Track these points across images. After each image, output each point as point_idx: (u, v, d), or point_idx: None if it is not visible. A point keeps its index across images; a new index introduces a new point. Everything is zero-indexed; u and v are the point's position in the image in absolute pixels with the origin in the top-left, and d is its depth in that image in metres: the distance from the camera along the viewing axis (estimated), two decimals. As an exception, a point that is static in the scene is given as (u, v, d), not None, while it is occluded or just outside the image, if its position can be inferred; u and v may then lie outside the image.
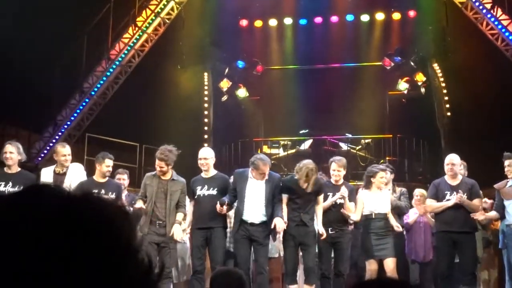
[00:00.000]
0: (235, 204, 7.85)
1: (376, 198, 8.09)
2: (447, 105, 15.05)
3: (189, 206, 7.98)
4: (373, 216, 8.03)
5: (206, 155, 8.09)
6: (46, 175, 7.84)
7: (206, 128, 15.64)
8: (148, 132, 13.29)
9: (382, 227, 7.98)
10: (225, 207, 7.51)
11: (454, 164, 8.05)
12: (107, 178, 7.93)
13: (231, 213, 8.41)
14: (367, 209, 8.05)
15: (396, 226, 8.02)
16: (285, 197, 7.81)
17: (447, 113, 15.01)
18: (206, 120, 15.70)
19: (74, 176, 7.90)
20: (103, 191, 7.60)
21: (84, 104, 13.83)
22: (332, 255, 8.15)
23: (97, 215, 0.88)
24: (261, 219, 7.67)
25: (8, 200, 0.89)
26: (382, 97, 16.08)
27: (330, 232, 7.96)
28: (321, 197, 7.93)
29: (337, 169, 8.25)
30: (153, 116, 14.07)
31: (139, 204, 7.64)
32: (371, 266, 7.96)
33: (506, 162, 7.83)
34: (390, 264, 7.93)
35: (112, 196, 7.69)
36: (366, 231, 8.08)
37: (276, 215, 7.63)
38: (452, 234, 7.92)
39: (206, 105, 15.87)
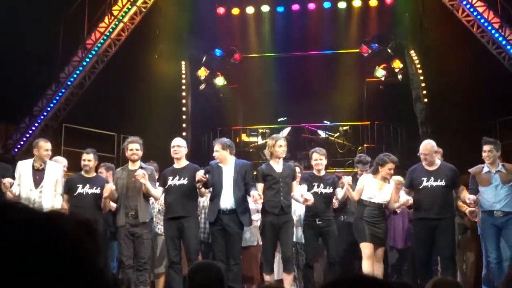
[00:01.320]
0: (209, 194, 7.91)
1: (378, 187, 7.90)
2: (424, 92, 15.11)
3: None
4: (368, 204, 7.87)
5: (180, 143, 8.06)
6: (24, 169, 7.84)
7: (184, 117, 15.59)
8: (126, 122, 13.22)
9: (375, 216, 7.84)
10: (207, 175, 7.56)
11: (426, 154, 7.91)
12: (94, 174, 8.05)
13: (204, 204, 8.45)
14: (365, 195, 7.89)
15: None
16: (260, 186, 7.71)
17: (424, 100, 15.10)
18: (184, 109, 15.65)
19: (55, 173, 7.91)
20: (87, 186, 7.84)
21: (60, 94, 13.73)
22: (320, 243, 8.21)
23: (62, 237, 0.86)
24: (231, 205, 7.61)
25: None
26: (360, 84, 16.15)
27: (317, 222, 7.99)
28: (294, 183, 7.90)
29: (318, 158, 8.22)
30: (130, 105, 14.01)
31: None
32: (365, 249, 7.78)
33: (486, 147, 7.72)
34: (379, 253, 7.91)
35: (96, 191, 7.80)
36: (359, 216, 7.91)
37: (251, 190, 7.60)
38: (431, 221, 7.74)
39: (184, 93, 15.82)
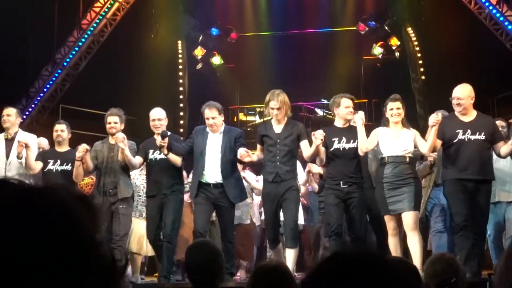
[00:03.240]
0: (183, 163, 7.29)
1: (393, 137, 6.54)
2: (421, 69, 15.15)
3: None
4: (386, 160, 6.49)
5: (160, 115, 7.41)
6: None
7: (181, 96, 15.60)
8: (123, 102, 13.14)
9: (397, 175, 6.43)
10: (166, 140, 6.73)
11: (461, 98, 6.57)
12: (68, 148, 7.55)
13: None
14: (382, 151, 6.58)
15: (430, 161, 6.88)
16: (259, 147, 6.97)
17: (421, 77, 15.12)
18: (181, 88, 15.65)
19: (30, 146, 7.33)
20: (58, 162, 7.37)
21: (56, 75, 13.71)
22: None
23: (58, 210, 0.85)
24: (220, 179, 6.82)
25: None
26: (357, 62, 16.16)
27: (342, 186, 6.66)
28: (305, 143, 6.78)
29: (351, 106, 6.89)
30: (127, 85, 13.98)
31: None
32: (390, 224, 6.49)
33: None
34: (407, 220, 6.33)
35: (67, 167, 7.33)
36: (378, 180, 6.60)
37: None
38: (468, 183, 6.43)
39: (181, 73, 15.82)
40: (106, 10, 14.02)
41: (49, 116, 13.35)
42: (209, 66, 16.08)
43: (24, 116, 13.07)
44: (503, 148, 6.46)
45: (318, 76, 15.71)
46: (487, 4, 13.13)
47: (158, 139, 6.81)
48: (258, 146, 7.00)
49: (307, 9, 16.43)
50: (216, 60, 16.06)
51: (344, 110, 6.84)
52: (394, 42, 15.52)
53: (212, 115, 6.87)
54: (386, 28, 15.61)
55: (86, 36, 13.91)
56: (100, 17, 13.98)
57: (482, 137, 6.45)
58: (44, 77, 13.67)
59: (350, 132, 6.76)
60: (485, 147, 6.51)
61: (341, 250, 1.39)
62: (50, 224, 0.83)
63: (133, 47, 14.68)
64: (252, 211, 8.75)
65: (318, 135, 6.56)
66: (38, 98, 13.54)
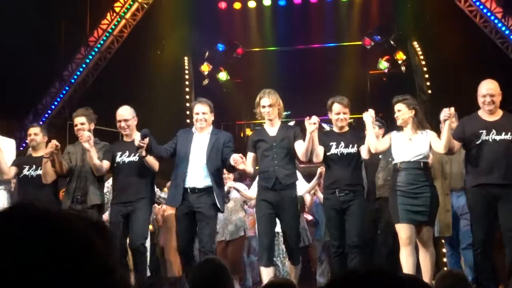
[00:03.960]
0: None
1: (406, 142, 5.96)
2: (428, 83, 15.11)
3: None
4: (399, 167, 5.93)
5: (126, 116, 6.70)
6: None
7: (188, 112, 15.59)
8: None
9: (411, 182, 5.85)
10: (146, 140, 5.92)
11: (493, 95, 5.86)
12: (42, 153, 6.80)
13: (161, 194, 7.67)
14: (394, 157, 6.06)
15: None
16: (250, 156, 6.28)
17: (428, 91, 15.09)
18: (188, 104, 15.66)
19: (5, 151, 6.88)
20: (34, 167, 6.80)
21: (64, 92, 13.77)
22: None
23: (74, 237, 0.85)
24: (203, 184, 6.11)
25: None
26: (363, 76, 16.13)
27: (338, 194, 6.14)
28: (299, 142, 6.21)
29: (342, 111, 6.35)
30: (134, 102, 13.85)
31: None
32: (402, 233, 5.86)
33: None
34: (422, 233, 5.86)
35: (39, 171, 6.73)
36: (392, 187, 6.00)
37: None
38: (492, 188, 5.74)
39: (187, 89, 15.85)
40: (113, 27, 14.11)
41: (57, 133, 13.36)
42: (215, 82, 16.11)
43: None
44: None
45: (324, 90, 15.63)
46: (492, 17, 13.17)
47: (136, 138, 6.04)
48: (251, 155, 6.30)
49: (313, 23, 16.45)
50: (223, 75, 16.10)
51: (334, 117, 6.42)
52: (400, 56, 15.52)
53: (203, 110, 6.31)
54: (392, 42, 15.63)
55: (93, 53, 13.99)
56: (107, 34, 14.07)
57: (509, 137, 5.76)
58: (51, 93, 13.75)
59: (348, 136, 6.32)
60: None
61: (353, 269, 1.38)
62: (67, 251, 0.83)
63: (140, 64, 14.72)
64: (245, 225, 8.34)
65: (312, 120, 6.06)
66: (46, 115, 13.58)
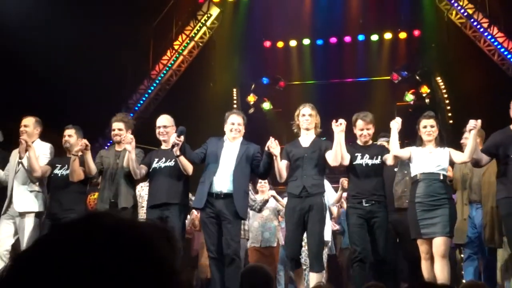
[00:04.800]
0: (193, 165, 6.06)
1: (426, 154, 5.73)
2: (449, 114, 14.95)
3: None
4: (419, 178, 5.63)
5: (166, 123, 6.46)
6: (14, 154, 6.66)
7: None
8: (186, 142, 13.22)
9: (430, 194, 5.53)
10: (182, 137, 5.70)
11: None
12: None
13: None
14: (413, 169, 5.78)
15: None
16: (284, 163, 5.92)
17: (449, 121, 14.92)
18: (235, 130, 15.68)
19: (40, 153, 6.60)
20: (66, 166, 6.48)
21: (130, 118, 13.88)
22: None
23: (143, 243, 0.86)
24: (229, 189, 5.73)
25: (68, 228, 0.88)
26: (391, 107, 16.01)
27: (364, 205, 5.79)
28: (329, 152, 5.85)
29: (365, 128, 6.07)
30: (189, 128, 13.95)
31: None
32: (423, 248, 5.63)
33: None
34: (438, 245, 5.47)
35: (68, 172, 6.42)
36: (411, 200, 5.69)
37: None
38: None
39: (235, 116, 15.84)
40: (172, 62, 14.33)
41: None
42: (260, 111, 16.12)
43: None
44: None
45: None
46: (509, 56, 12.98)
47: (172, 136, 5.79)
48: (284, 163, 5.95)
49: (346, 60, 16.36)
50: (266, 105, 16.13)
51: (358, 132, 6.13)
52: (425, 90, 15.39)
53: (239, 121, 6.08)
54: (417, 77, 15.52)
55: (154, 84, 14.19)
56: (167, 68, 14.25)
57: None
58: (132, 123, 13.86)
59: (372, 149, 6.06)
60: None
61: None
62: (137, 256, 0.83)
63: (195, 94, 14.84)
64: (279, 233, 7.99)
65: (339, 122, 5.82)
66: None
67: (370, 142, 6.16)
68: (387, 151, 6.00)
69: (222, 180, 5.76)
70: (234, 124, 6.07)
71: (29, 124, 6.67)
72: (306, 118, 6.08)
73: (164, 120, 6.50)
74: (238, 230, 5.97)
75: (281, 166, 5.90)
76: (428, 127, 5.83)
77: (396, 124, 5.99)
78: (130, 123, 6.73)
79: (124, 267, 0.81)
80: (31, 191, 6.56)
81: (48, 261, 0.81)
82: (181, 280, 0.87)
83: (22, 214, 6.45)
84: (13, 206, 6.47)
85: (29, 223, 6.45)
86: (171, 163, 6.08)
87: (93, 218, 0.88)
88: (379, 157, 5.94)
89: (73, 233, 0.85)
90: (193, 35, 14.42)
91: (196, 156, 5.98)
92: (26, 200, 6.52)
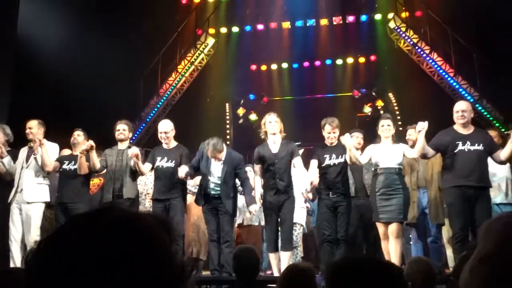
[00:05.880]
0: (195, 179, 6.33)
1: (384, 151, 5.68)
2: (399, 123, 14.96)
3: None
4: (378, 171, 5.62)
5: (166, 129, 6.40)
6: (22, 151, 6.60)
7: (228, 142, 15.68)
8: (187, 147, 13.27)
9: (388, 185, 5.51)
10: (188, 177, 6.04)
11: (464, 110, 5.41)
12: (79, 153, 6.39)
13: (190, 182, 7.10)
14: (374, 164, 5.74)
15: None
16: (258, 167, 5.99)
17: (399, 129, 14.92)
18: (228, 137, 15.77)
19: (50, 151, 6.50)
20: (73, 162, 6.51)
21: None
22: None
23: (146, 233, 0.80)
24: (218, 192, 5.97)
25: (83, 219, 0.82)
26: (353, 118, 16.04)
27: (331, 196, 5.87)
28: (297, 159, 5.91)
29: (332, 131, 6.09)
30: (190, 135, 14.06)
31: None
32: (380, 229, 5.67)
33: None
34: (393, 228, 5.51)
35: (76, 166, 6.38)
36: (373, 190, 5.68)
37: (247, 200, 5.94)
38: (469, 190, 5.19)
39: (228, 126, 15.95)
40: (177, 82, 14.30)
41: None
42: (248, 121, 16.16)
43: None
44: (502, 152, 5.29)
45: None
46: (446, 76, 13.11)
47: (183, 169, 5.93)
48: (257, 166, 6.02)
49: (317, 80, 16.47)
50: (253, 117, 16.13)
51: (326, 135, 6.09)
52: (379, 103, 15.52)
53: (215, 154, 6.01)
54: (373, 93, 15.64)
55: (162, 100, 14.14)
56: (172, 87, 14.23)
57: (481, 147, 5.27)
58: (133, 127, 13.86)
59: (338, 149, 5.98)
60: (484, 157, 5.32)
61: (348, 257, 1.41)
62: (140, 245, 0.78)
63: (195, 108, 14.86)
64: (261, 215, 7.72)
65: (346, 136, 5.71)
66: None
67: (336, 142, 6.12)
68: (345, 150, 5.89)
69: (215, 189, 5.97)
70: (212, 156, 6.04)
71: (33, 126, 6.52)
72: (273, 124, 6.00)
73: (165, 126, 6.45)
74: (232, 221, 6.14)
75: (257, 183, 6.00)
76: (385, 125, 5.80)
77: (422, 126, 5.50)
78: (131, 125, 6.76)
79: (129, 250, 0.76)
80: (39, 184, 6.48)
81: (69, 246, 0.76)
82: (176, 260, 0.82)
83: (30, 203, 6.35)
84: (22, 196, 6.34)
85: (35, 211, 6.36)
86: (171, 164, 6.17)
87: (104, 211, 0.83)
88: (343, 156, 5.92)
89: (88, 223, 0.80)
90: (193, 60, 14.50)
91: (195, 167, 6.17)
92: (35, 191, 6.42)
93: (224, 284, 5.47)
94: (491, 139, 5.49)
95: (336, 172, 5.92)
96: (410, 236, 6.96)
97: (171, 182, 6.11)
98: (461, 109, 5.46)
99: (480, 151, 5.27)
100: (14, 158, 6.62)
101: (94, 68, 11.66)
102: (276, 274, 5.77)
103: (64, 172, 6.55)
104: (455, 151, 5.31)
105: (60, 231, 0.80)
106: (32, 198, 6.41)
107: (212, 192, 5.97)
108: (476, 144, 5.30)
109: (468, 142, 5.31)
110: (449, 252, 6.38)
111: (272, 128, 5.96)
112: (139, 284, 0.75)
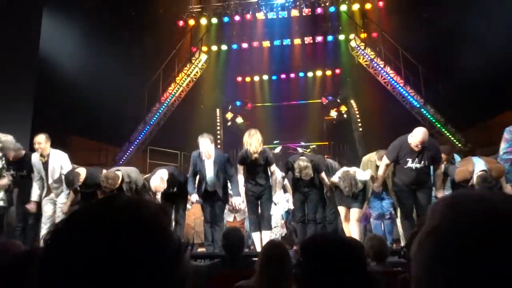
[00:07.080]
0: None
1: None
2: (359, 124, 15.17)
3: None
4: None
5: (41, 140, 5.86)
6: (35, 159, 5.97)
7: (219, 141, 15.67)
8: (183, 145, 13.27)
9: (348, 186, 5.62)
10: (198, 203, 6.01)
11: (424, 142, 5.20)
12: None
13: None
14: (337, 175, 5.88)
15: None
16: (240, 167, 5.90)
17: (359, 129, 15.13)
18: (218, 136, 15.74)
19: (58, 161, 6.00)
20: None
21: (146, 129, 13.79)
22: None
23: (148, 216, 0.77)
24: (215, 188, 5.94)
25: (94, 207, 0.78)
26: (321, 120, 16.21)
27: (303, 189, 5.99)
28: (273, 167, 5.85)
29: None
30: (186, 136, 14.02)
31: None
32: (342, 213, 5.87)
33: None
34: (355, 213, 5.73)
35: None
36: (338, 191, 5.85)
37: (233, 193, 5.87)
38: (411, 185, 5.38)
39: (218, 128, 15.93)
40: (176, 91, 14.17)
41: (142, 153, 13.39)
42: (235, 124, 16.18)
43: (127, 154, 13.11)
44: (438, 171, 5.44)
45: (299, 128, 15.76)
46: (397, 86, 13.22)
47: (193, 197, 5.90)
48: (240, 166, 5.88)
49: (292, 89, 16.55)
50: (239, 120, 16.18)
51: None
52: (343, 108, 15.68)
53: (207, 143, 5.81)
54: (338, 100, 15.76)
55: (163, 106, 13.99)
56: (172, 96, 14.10)
57: (423, 165, 5.27)
58: (138, 129, 13.76)
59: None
60: (425, 171, 5.37)
61: (318, 234, 1.41)
62: (144, 227, 0.75)
63: (190, 113, 14.81)
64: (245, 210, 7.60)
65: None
66: (135, 143, 13.60)
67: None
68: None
69: (210, 184, 5.92)
70: (208, 145, 5.86)
71: (42, 141, 5.88)
72: (253, 149, 5.74)
73: (41, 139, 5.87)
74: (222, 209, 6.15)
75: (240, 179, 5.86)
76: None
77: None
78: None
79: (134, 235, 0.73)
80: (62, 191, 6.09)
81: (83, 227, 0.73)
82: (174, 237, 0.79)
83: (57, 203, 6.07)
84: (53, 196, 6.03)
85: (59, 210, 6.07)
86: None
87: (111, 197, 0.80)
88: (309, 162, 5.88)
89: (97, 209, 0.77)
90: (189, 73, 14.36)
91: (196, 177, 6.04)
92: (61, 196, 6.11)
93: (215, 259, 5.48)
94: (436, 156, 5.36)
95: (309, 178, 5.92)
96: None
97: (179, 185, 6.14)
98: (421, 143, 5.19)
99: (422, 167, 5.27)
100: (29, 167, 6.02)
101: (106, 80, 11.53)
102: (258, 249, 5.89)
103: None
104: (400, 162, 5.37)
105: (76, 213, 0.77)
106: (60, 200, 6.07)
107: (208, 187, 5.98)
108: (422, 162, 5.27)
109: (417, 159, 5.29)
110: (400, 229, 6.49)
111: (254, 150, 5.76)
112: (142, 259, 0.72)
